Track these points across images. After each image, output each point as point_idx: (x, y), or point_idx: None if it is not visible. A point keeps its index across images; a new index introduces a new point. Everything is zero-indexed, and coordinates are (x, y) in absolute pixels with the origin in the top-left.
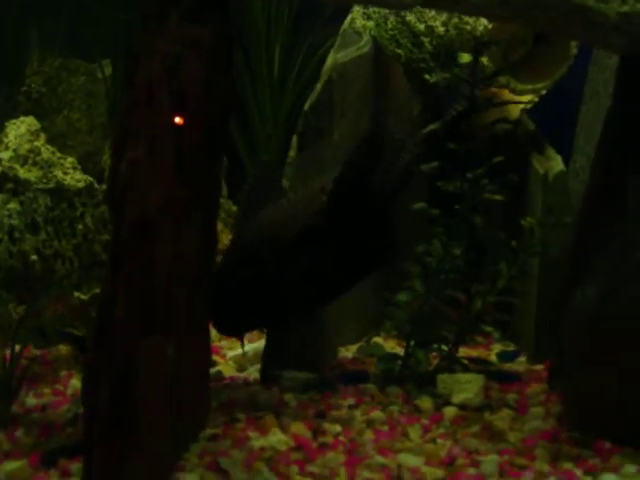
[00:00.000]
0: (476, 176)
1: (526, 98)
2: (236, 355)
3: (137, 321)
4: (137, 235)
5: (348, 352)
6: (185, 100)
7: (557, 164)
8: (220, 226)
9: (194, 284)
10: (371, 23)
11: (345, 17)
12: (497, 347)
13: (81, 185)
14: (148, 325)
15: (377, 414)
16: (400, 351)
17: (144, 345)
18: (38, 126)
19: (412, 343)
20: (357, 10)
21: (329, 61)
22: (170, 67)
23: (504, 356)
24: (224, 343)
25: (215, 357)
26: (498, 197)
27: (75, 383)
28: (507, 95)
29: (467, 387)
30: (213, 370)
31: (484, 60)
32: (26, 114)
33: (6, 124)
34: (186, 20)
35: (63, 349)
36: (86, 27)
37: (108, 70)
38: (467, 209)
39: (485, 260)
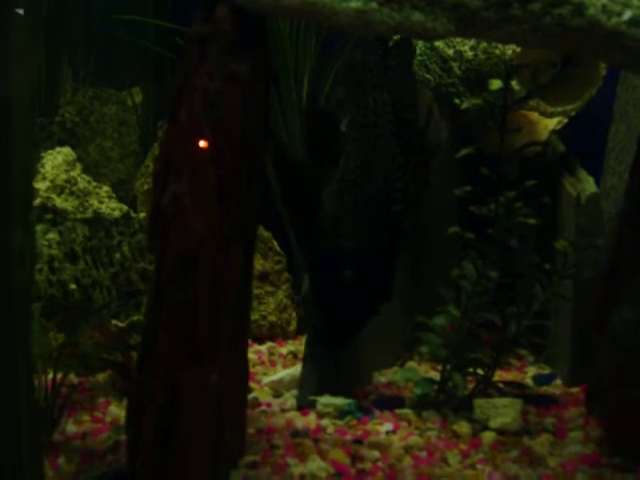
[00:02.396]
0: (509, 199)
1: (555, 120)
2: (272, 381)
3: (181, 350)
4: (180, 267)
5: (382, 377)
6: (225, 134)
7: (590, 186)
8: None
9: (234, 312)
10: None
11: None
12: (531, 370)
13: (117, 214)
14: (191, 354)
15: (415, 439)
16: (435, 375)
17: (188, 374)
18: (74, 156)
19: (448, 367)
20: None
21: None
22: (211, 102)
23: (540, 379)
24: (259, 369)
25: (250, 383)
26: (532, 221)
27: (113, 410)
28: (535, 117)
29: (505, 412)
30: (249, 396)
31: (513, 83)
32: (60, 143)
33: (42, 154)
34: (226, 55)
35: (100, 376)
36: (115, 55)
37: (138, 98)
38: (501, 232)
39: (519, 283)
